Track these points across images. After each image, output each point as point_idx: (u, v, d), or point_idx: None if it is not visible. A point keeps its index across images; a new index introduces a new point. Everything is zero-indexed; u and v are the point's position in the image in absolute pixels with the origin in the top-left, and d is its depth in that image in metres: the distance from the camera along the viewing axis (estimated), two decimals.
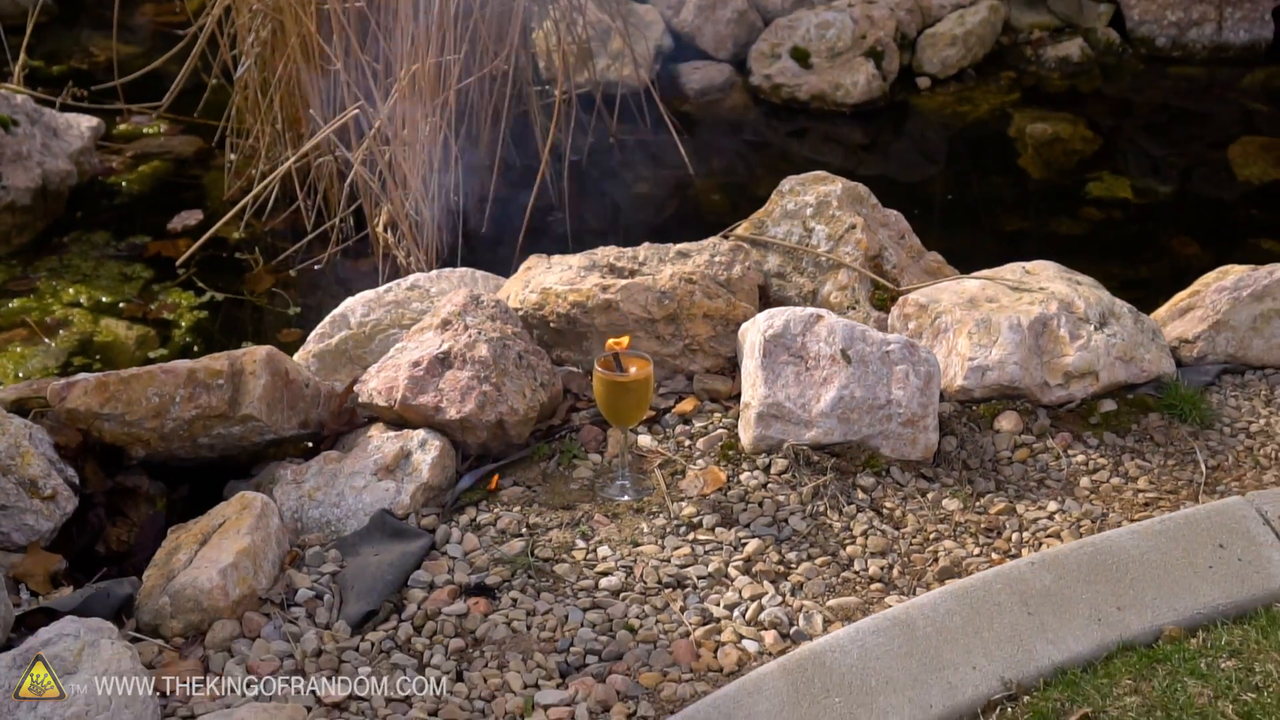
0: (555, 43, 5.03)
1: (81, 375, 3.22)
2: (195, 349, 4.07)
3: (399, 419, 3.25)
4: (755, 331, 3.29)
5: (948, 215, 5.05)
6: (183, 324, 4.21)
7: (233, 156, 4.91)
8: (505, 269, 3.85)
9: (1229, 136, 5.57)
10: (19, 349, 4.04)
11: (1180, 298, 3.74)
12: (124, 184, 4.94)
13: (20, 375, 3.91)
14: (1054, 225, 4.93)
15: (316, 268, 4.45)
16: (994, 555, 3.00)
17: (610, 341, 3.12)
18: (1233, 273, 3.69)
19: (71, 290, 4.32)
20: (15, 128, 4.61)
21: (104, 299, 4.29)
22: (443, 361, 3.24)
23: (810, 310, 3.30)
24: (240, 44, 4.76)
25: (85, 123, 4.94)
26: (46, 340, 4.09)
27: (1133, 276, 4.55)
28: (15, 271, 4.43)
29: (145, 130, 5.25)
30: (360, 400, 3.30)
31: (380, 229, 4.32)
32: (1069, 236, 4.83)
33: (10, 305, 4.25)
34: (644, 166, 5.22)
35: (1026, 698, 2.61)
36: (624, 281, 3.46)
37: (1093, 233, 4.88)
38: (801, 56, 5.75)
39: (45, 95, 5.12)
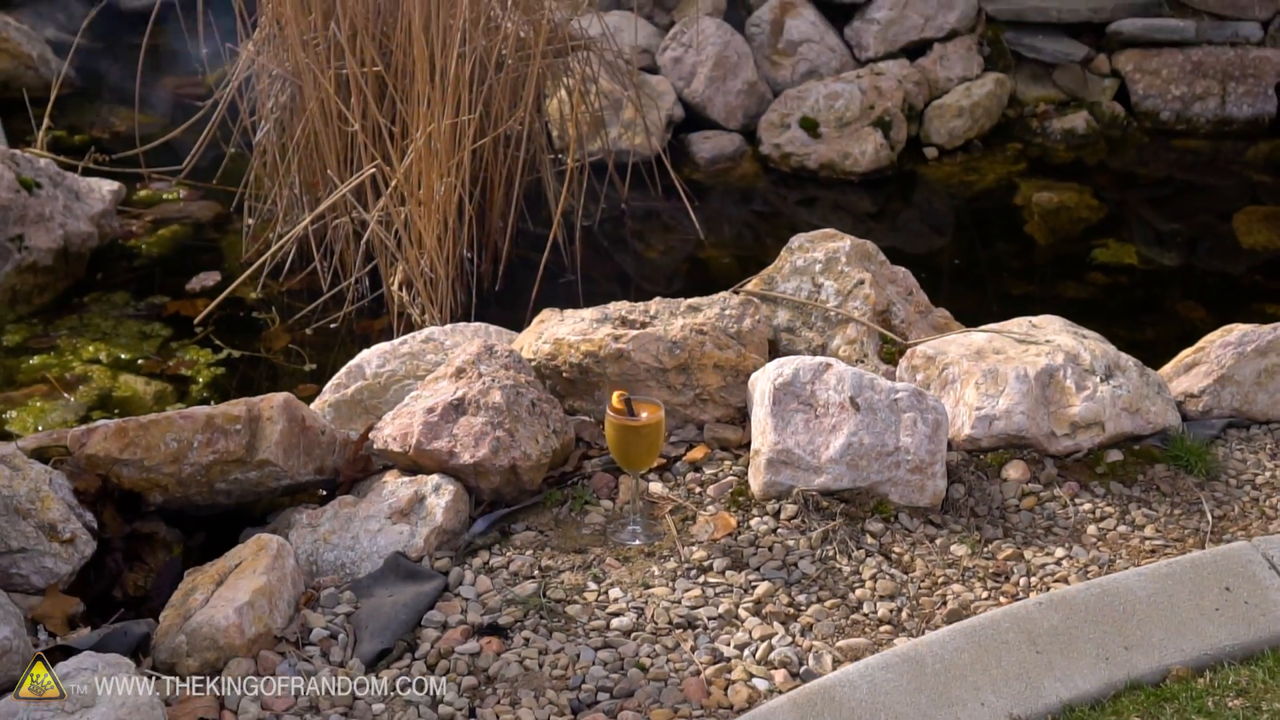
0: (569, 111, 5.13)
1: (102, 422, 3.26)
2: (212, 404, 4.12)
3: (413, 465, 3.29)
4: (765, 379, 3.33)
5: (955, 279, 5.11)
6: (200, 380, 4.27)
7: (250, 220, 4.98)
8: (518, 326, 3.91)
9: (1233, 208, 5.64)
10: (39, 404, 4.09)
11: (1186, 354, 3.78)
12: (143, 247, 5.02)
13: (40, 428, 3.96)
14: (1060, 289, 4.99)
15: (332, 326, 4.51)
16: (1001, 599, 3.03)
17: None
18: (1237, 329, 3.74)
19: (91, 348, 4.38)
20: (38, 190, 4.70)
21: (123, 355, 4.35)
22: (457, 408, 3.29)
23: (820, 359, 3.35)
24: (260, 109, 4.86)
25: (106, 187, 5.03)
26: (66, 395, 4.14)
27: (1139, 338, 4.60)
28: (36, 330, 4.50)
29: (165, 196, 5.33)
30: (375, 447, 3.34)
31: (395, 287, 4.39)
32: (1075, 300, 4.89)
33: (31, 362, 4.31)
34: (655, 233, 5.30)
35: None
36: (635, 332, 3.51)
37: (1099, 296, 4.94)
38: (810, 126, 5.84)
39: (68, 160, 5.21)
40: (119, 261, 4.94)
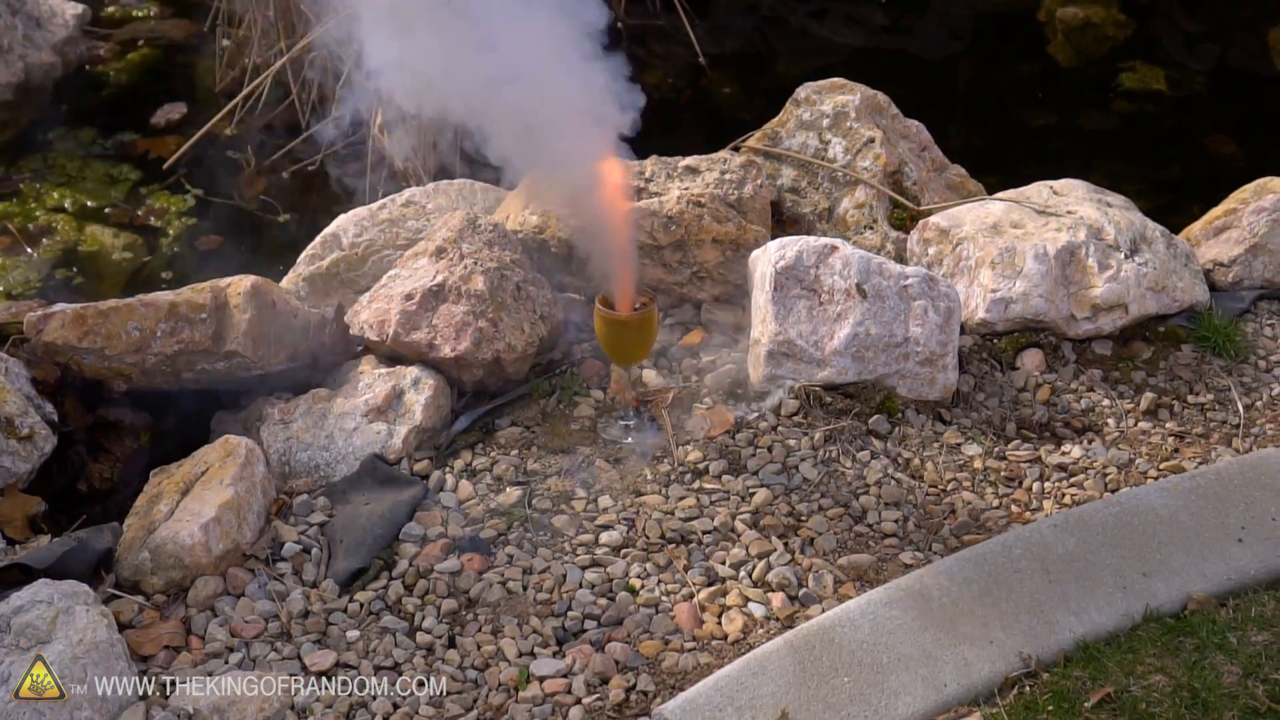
0: None
1: (59, 306, 3.07)
2: (181, 261, 3.91)
3: (391, 353, 3.10)
4: (766, 262, 3.11)
5: (971, 107, 4.83)
6: (170, 232, 4.04)
7: (226, 42, 4.69)
8: None
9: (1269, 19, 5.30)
10: (0, 260, 3.87)
11: (1215, 214, 3.54)
12: (112, 74, 4.73)
13: (1, 290, 3.75)
14: (1083, 120, 4.70)
15: (311, 169, 4.26)
16: (1014, 507, 2.86)
17: None
18: (1271, 191, 3.50)
19: (56, 193, 4.14)
20: None
21: (89, 203, 4.11)
22: (436, 295, 3.08)
23: (824, 240, 3.11)
24: None
25: (70, 10, 4.71)
26: (29, 250, 3.92)
27: (1165, 178, 4.36)
28: None
29: (135, 14, 5.02)
30: (351, 333, 3.14)
31: (377, 130, 4.13)
32: (1098, 134, 4.61)
33: None
34: (654, 55, 4.98)
35: (1046, 675, 2.47)
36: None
37: (1123, 129, 4.66)
38: None
39: None
40: (86, 92, 4.65)
